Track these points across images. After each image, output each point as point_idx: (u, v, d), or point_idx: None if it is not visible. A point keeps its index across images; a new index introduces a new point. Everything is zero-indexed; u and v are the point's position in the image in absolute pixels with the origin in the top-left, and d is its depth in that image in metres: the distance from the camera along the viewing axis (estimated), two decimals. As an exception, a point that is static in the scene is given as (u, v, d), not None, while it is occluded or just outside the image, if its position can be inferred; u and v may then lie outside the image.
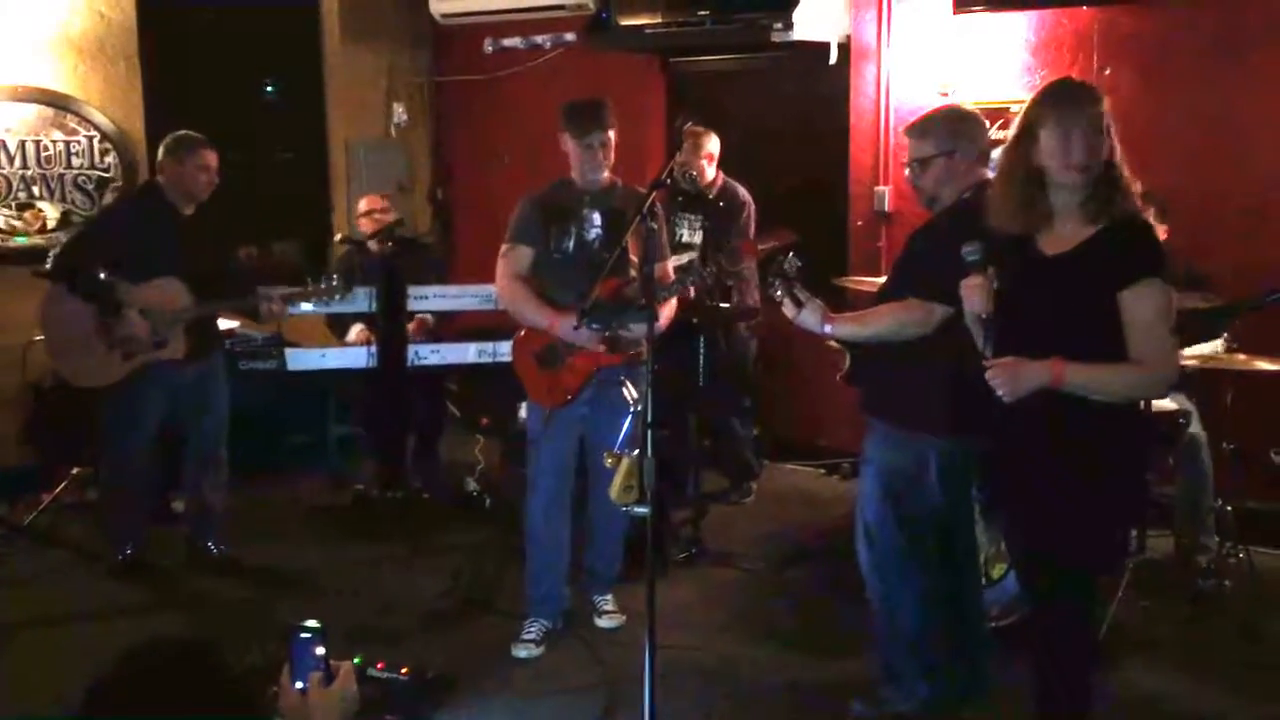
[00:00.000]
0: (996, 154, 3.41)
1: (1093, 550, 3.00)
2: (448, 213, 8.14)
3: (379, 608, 4.76)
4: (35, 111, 6.35)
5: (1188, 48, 5.48)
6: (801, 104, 6.82)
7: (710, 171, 5.86)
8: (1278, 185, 5.31)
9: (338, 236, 6.45)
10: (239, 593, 4.97)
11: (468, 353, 5.96)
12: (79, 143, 6.48)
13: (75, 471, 5.90)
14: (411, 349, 5.77)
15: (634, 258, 4.17)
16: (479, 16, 7.28)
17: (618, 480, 3.61)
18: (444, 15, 7.29)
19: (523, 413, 4.75)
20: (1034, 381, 2.81)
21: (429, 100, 8.14)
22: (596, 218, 4.28)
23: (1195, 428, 4.69)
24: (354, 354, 5.84)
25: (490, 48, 7.66)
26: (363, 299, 5.55)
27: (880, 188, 6.40)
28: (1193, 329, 4.17)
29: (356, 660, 2.02)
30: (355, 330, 5.99)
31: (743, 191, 5.89)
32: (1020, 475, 2.96)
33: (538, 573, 4.45)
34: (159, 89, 6.75)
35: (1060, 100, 2.87)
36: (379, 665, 3.81)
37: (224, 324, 5.65)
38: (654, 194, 3.55)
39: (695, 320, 5.25)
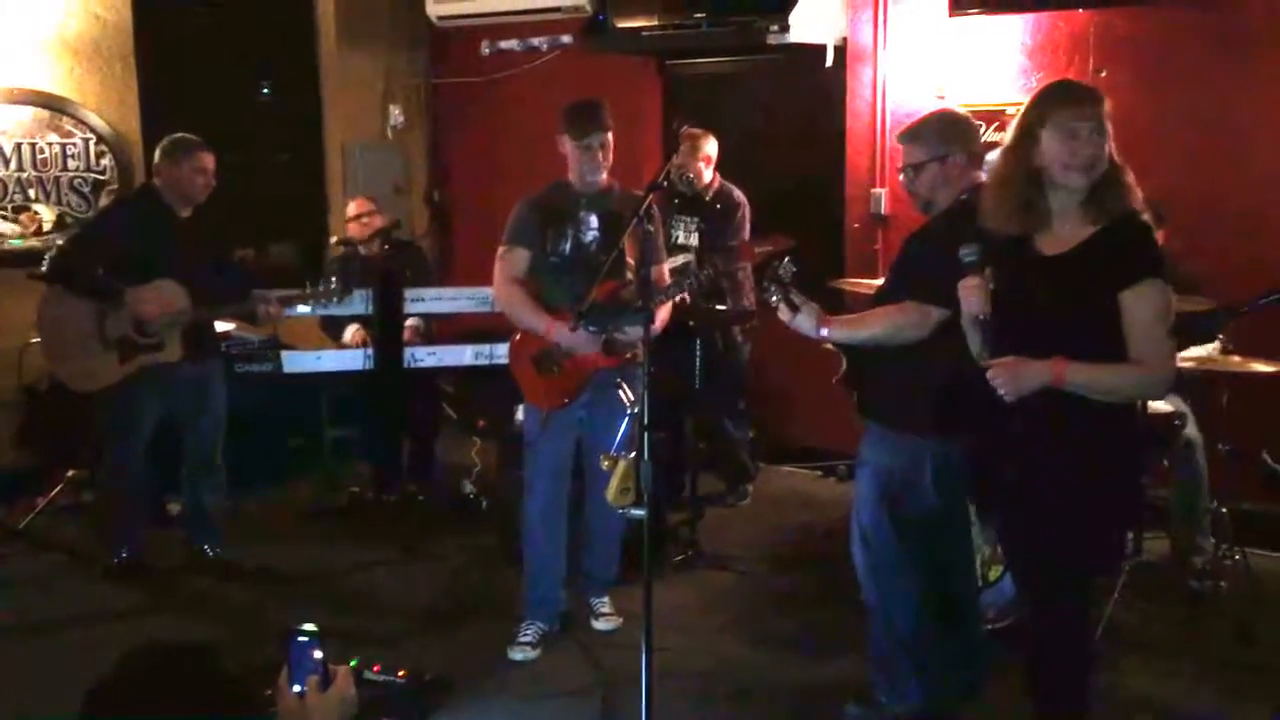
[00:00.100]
0: (991, 156, 3.42)
1: (1090, 551, 3.00)
2: (444, 215, 8.13)
3: (375, 610, 4.76)
4: (31, 114, 6.34)
5: (1184, 50, 5.48)
6: (798, 106, 6.83)
7: (707, 174, 5.87)
8: (1275, 187, 5.32)
9: (334, 239, 6.46)
10: (235, 595, 4.96)
11: (464, 355, 5.97)
12: (75, 145, 6.47)
13: (71, 474, 5.90)
14: (408, 351, 5.78)
15: (630, 260, 4.18)
16: (475, 19, 7.28)
17: (614, 483, 3.61)
18: (440, 17, 7.29)
19: (519, 415, 4.75)
20: (1036, 381, 2.81)
21: (425, 102, 8.14)
22: (593, 220, 4.28)
23: (1191, 430, 4.69)
24: (350, 356, 5.85)
25: (487, 50, 7.66)
26: (358, 301, 5.55)
27: (876, 190, 6.40)
28: (1189, 332, 4.18)
29: (353, 663, 2.01)
30: (351, 331, 5.99)
31: (738, 194, 5.89)
32: (1019, 475, 2.96)
33: (534, 575, 4.45)
34: (155, 91, 6.74)
35: (1061, 101, 2.87)
36: (375, 668, 3.80)
37: (220, 326, 5.65)
38: (650, 196, 3.55)
39: (691, 323, 5.26)
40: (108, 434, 5.05)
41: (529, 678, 4.20)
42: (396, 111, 7.92)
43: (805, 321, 3.50)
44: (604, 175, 4.29)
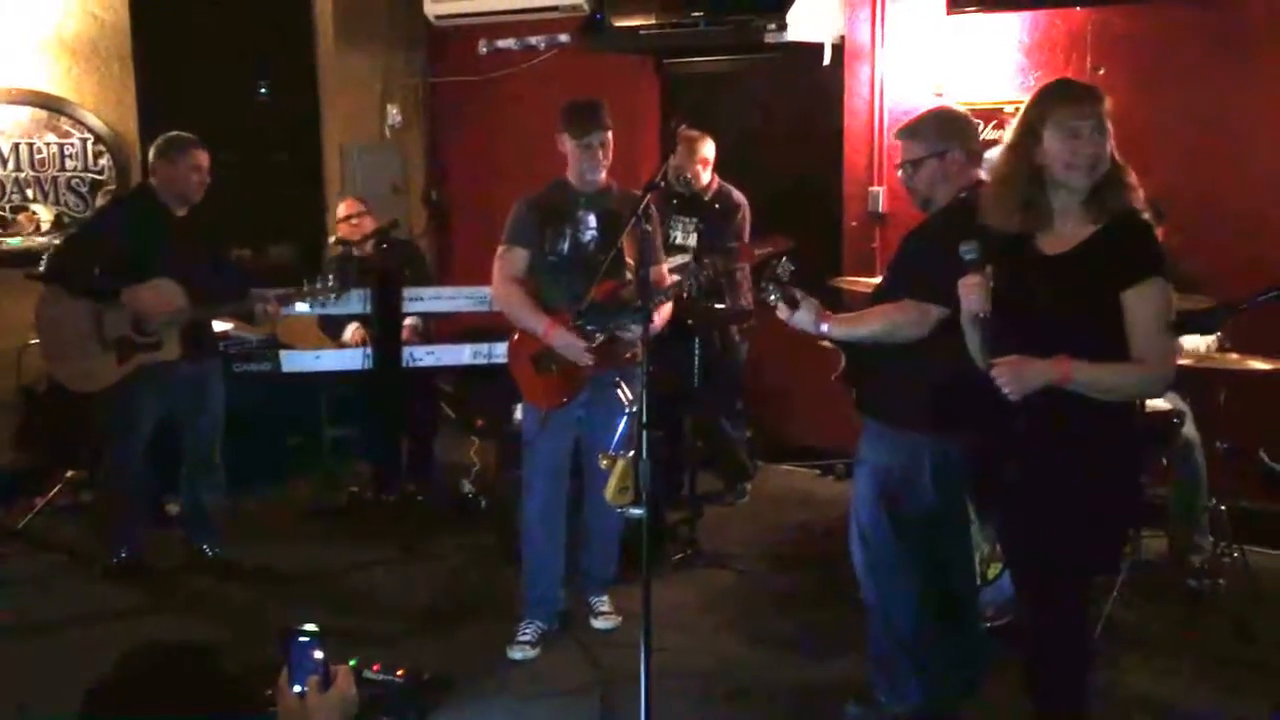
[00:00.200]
0: (990, 154, 3.42)
1: (1092, 550, 3.00)
2: (443, 215, 8.13)
3: (375, 610, 4.76)
4: (29, 114, 6.34)
5: (1182, 48, 5.49)
6: (796, 105, 6.83)
7: (705, 176, 5.86)
8: (1273, 186, 5.33)
9: (332, 238, 6.46)
10: (235, 595, 4.96)
11: (463, 354, 5.97)
12: (73, 145, 6.47)
13: (70, 474, 5.89)
14: (406, 350, 5.78)
15: (630, 260, 4.18)
16: (473, 18, 7.28)
17: (613, 482, 3.61)
18: (438, 17, 7.29)
19: (518, 414, 4.75)
20: (1040, 379, 2.81)
21: (423, 102, 8.14)
22: (592, 220, 4.28)
23: (1189, 428, 4.70)
24: (349, 356, 5.85)
25: (484, 49, 7.66)
26: (357, 300, 5.55)
27: (875, 188, 6.41)
28: (1188, 326, 4.18)
29: (352, 662, 2.01)
30: (351, 329, 5.99)
31: (737, 194, 5.89)
32: (1020, 474, 2.96)
33: (533, 574, 4.45)
34: (153, 91, 6.74)
35: (1063, 100, 2.86)
36: (375, 667, 3.80)
37: (219, 326, 5.65)
38: (648, 195, 3.55)
39: (690, 321, 5.26)
40: (107, 434, 5.05)
41: (528, 676, 4.20)
42: (394, 111, 7.92)
43: (805, 317, 3.50)
44: (603, 174, 4.29)
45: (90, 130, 6.51)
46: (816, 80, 6.54)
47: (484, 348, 5.79)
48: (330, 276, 5.20)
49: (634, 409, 3.69)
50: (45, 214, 6.43)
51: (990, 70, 5.99)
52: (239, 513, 5.63)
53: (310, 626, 1.92)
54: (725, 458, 6.20)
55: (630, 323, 4.09)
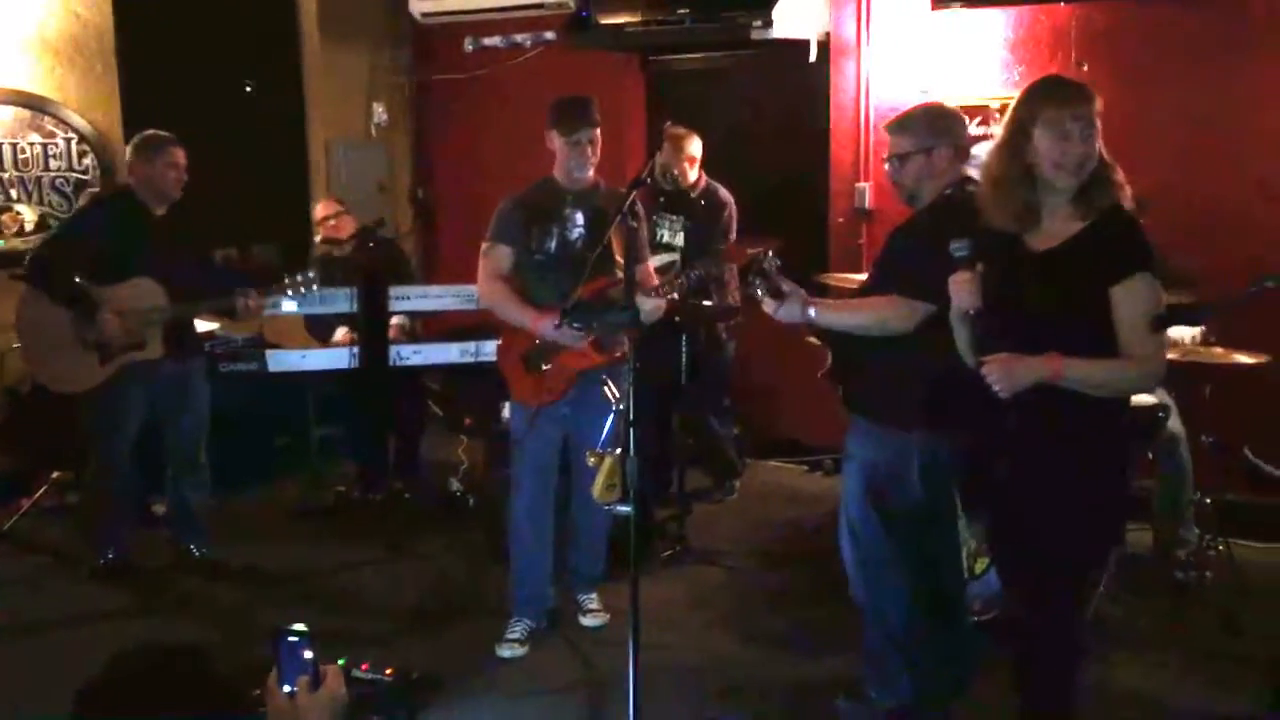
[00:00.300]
0: (978, 150, 3.43)
1: (1084, 546, 3.01)
2: (429, 213, 8.12)
3: (363, 609, 4.76)
4: (12, 114, 6.31)
5: (1164, 44, 5.52)
6: (782, 101, 6.84)
7: (692, 174, 5.85)
8: (1258, 181, 5.35)
9: (318, 237, 6.44)
10: (223, 595, 4.95)
11: (450, 353, 5.96)
12: (56, 145, 6.44)
13: (55, 476, 5.88)
14: (393, 349, 5.76)
15: (618, 258, 4.17)
16: (459, 15, 7.27)
17: (600, 479, 3.61)
18: (424, 14, 7.28)
19: (506, 413, 4.75)
20: (1031, 377, 2.80)
21: (409, 100, 8.12)
22: (579, 217, 4.28)
23: (1174, 422, 4.71)
24: (335, 355, 5.83)
25: (470, 46, 7.65)
26: (343, 300, 5.53)
27: (861, 184, 6.42)
28: (1174, 319, 4.19)
29: (341, 662, 2.01)
30: (341, 333, 5.97)
31: (724, 192, 5.89)
32: (1012, 472, 2.96)
33: (522, 572, 4.45)
34: (137, 90, 6.71)
35: (1052, 99, 2.86)
36: (363, 666, 3.79)
37: (204, 326, 5.63)
38: (634, 193, 3.55)
39: (677, 319, 5.26)
40: (92, 435, 5.04)
41: (517, 675, 4.20)
42: (380, 109, 7.91)
43: (792, 308, 3.48)
44: (591, 172, 4.29)
45: (74, 130, 6.48)
46: (802, 77, 6.55)
47: (471, 346, 5.78)
48: (311, 271, 5.18)
49: (621, 406, 3.69)
50: (29, 214, 6.40)
51: (975, 66, 6.01)
52: (227, 513, 5.62)
53: (299, 626, 1.92)
54: (713, 455, 6.21)
55: (616, 319, 4.09)
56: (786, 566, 5.20)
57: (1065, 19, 5.74)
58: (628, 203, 3.62)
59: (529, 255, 4.28)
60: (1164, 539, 4.84)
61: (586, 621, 4.56)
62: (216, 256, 5.57)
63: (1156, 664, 4.11)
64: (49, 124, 6.42)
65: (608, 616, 4.56)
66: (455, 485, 6.02)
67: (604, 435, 3.91)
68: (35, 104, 6.36)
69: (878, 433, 3.56)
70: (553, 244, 4.27)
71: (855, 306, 3.62)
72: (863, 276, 4.29)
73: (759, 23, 6.00)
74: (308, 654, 1.90)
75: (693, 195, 5.86)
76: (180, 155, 4.93)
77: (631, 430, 3.19)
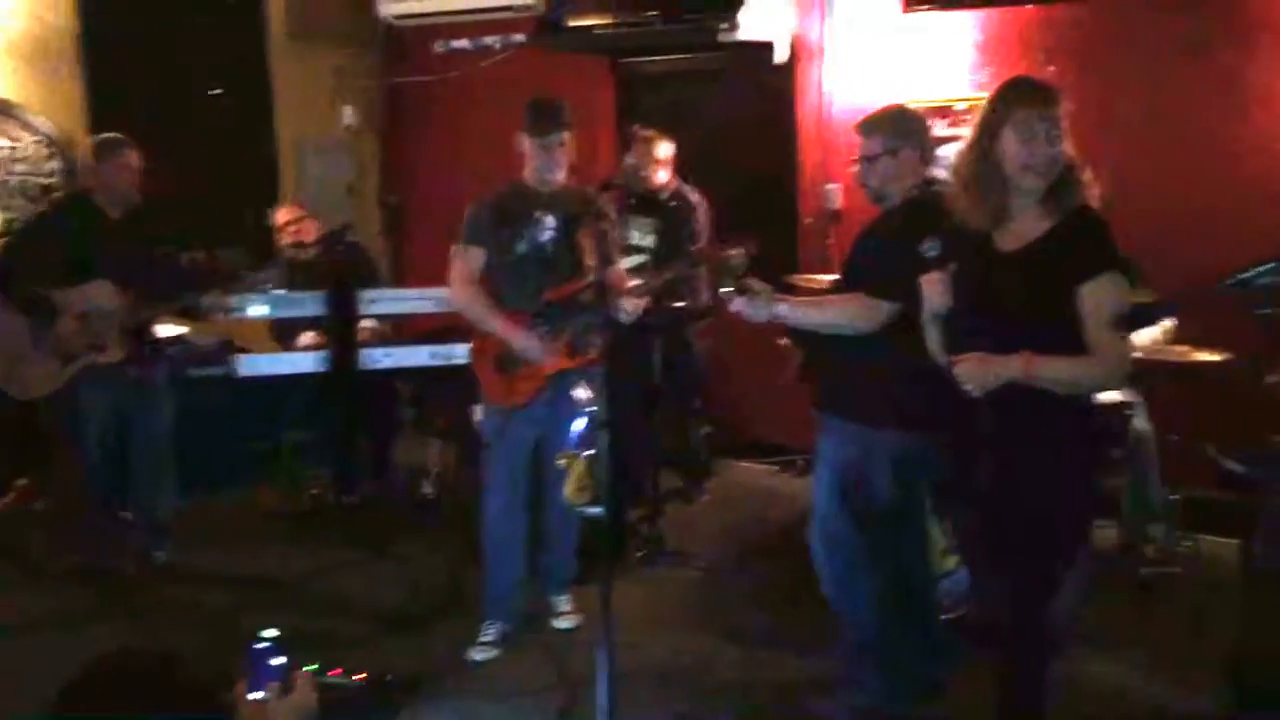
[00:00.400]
0: (945, 151, 3.45)
1: (1055, 544, 3.03)
2: (399, 216, 8.09)
3: (336, 613, 4.74)
4: (-24, 117, 6.26)
5: (1132, 45, 5.57)
6: (750, 103, 6.84)
7: (663, 176, 5.85)
8: (1223, 182, 5.40)
9: (285, 240, 6.40)
10: (194, 600, 4.91)
11: (421, 356, 5.93)
12: (22, 149, 6.38)
13: (22, 482, 5.82)
14: (364, 352, 5.74)
15: (589, 261, 4.17)
16: (428, 18, 7.25)
17: (572, 481, 3.61)
18: (393, 16, 7.25)
19: (477, 415, 4.74)
20: (1002, 376, 2.83)
21: (378, 102, 8.09)
22: (550, 220, 4.27)
23: (1140, 419, 4.76)
24: (305, 359, 5.80)
25: (440, 48, 7.63)
26: (311, 303, 5.51)
27: (830, 186, 6.44)
28: (1137, 320, 4.24)
29: (312, 667, 2.00)
30: (306, 337, 5.93)
31: (695, 195, 5.88)
32: (984, 469, 2.98)
33: (494, 575, 4.44)
34: (102, 93, 6.66)
35: (1021, 100, 2.88)
36: (334, 671, 3.78)
37: (173, 330, 5.60)
38: (605, 194, 3.56)
39: (649, 320, 5.26)
40: (56, 440, 5.00)
41: (490, 677, 4.20)
42: (349, 111, 7.87)
43: (759, 306, 3.50)
44: (562, 174, 4.29)
45: (40, 133, 6.43)
46: (771, 78, 6.56)
47: (442, 349, 5.77)
48: (265, 272, 5.15)
49: (593, 408, 3.69)
50: (-6, 218, 6.35)
51: (943, 67, 6.04)
52: (200, 517, 5.58)
53: (271, 631, 1.91)
54: (684, 456, 6.21)
55: (589, 323, 4.10)
56: (759, 566, 5.22)
57: (1033, 21, 5.78)
58: (598, 205, 3.63)
59: (500, 257, 4.27)
60: (1131, 535, 4.88)
61: (559, 623, 4.56)
62: (183, 259, 5.52)
63: (1123, 660, 4.14)
64: (13, 128, 6.36)
65: (580, 618, 4.56)
66: (427, 488, 6.01)
67: (574, 436, 3.91)
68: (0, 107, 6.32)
69: (849, 432, 3.59)
70: (523, 246, 4.26)
71: (822, 305, 3.65)
72: (833, 277, 4.31)
73: (726, 25, 6.01)
74: (278, 659, 1.89)
75: (663, 197, 5.86)
76: (134, 157, 4.91)
77: (603, 432, 3.19)
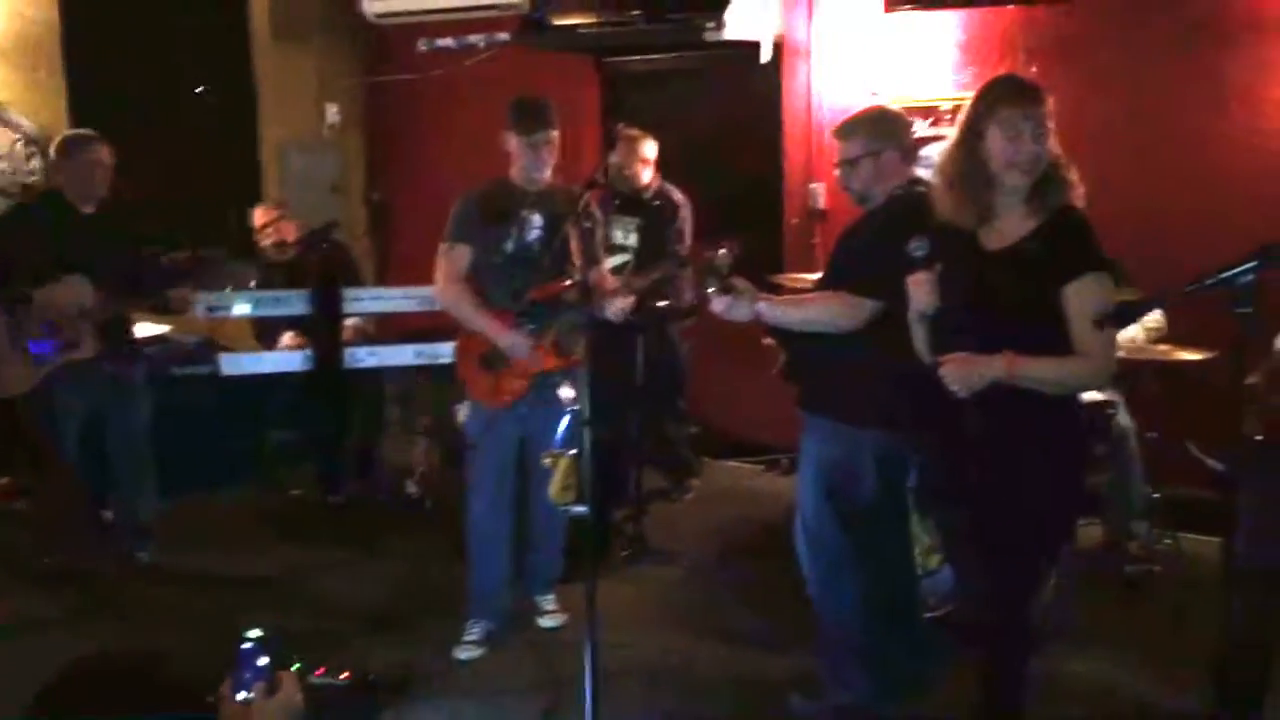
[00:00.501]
0: (928, 151, 3.47)
1: (1041, 541, 3.05)
2: (384, 214, 8.08)
3: (320, 613, 4.73)
4: (-43, 116, 6.24)
5: (1114, 45, 5.59)
6: (735, 102, 6.86)
7: (646, 175, 5.85)
8: (1203, 181, 5.43)
9: (269, 240, 6.38)
10: (175, 601, 4.89)
11: (406, 355, 5.93)
12: (2, 147, 6.35)
13: (3, 481, 5.79)
14: (348, 351, 5.73)
15: (575, 260, 4.17)
16: (411, 16, 7.23)
17: (556, 480, 3.62)
18: (377, 15, 7.23)
19: (462, 414, 4.73)
20: (987, 376, 2.84)
21: (363, 101, 8.07)
22: (537, 219, 4.26)
23: (1123, 417, 4.78)
24: (289, 358, 5.78)
25: (424, 47, 7.61)
26: (297, 302, 5.49)
27: (815, 185, 6.46)
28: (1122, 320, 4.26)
29: (296, 666, 2.00)
30: (287, 337, 5.91)
31: (679, 194, 5.88)
32: (970, 468, 2.99)
33: (479, 574, 4.44)
34: (84, 91, 6.64)
35: (1005, 99, 2.89)
36: (318, 671, 3.77)
37: (155, 329, 5.57)
38: (588, 194, 3.55)
39: (633, 319, 5.26)
40: (34, 438, 4.97)
41: (475, 676, 4.20)
42: (333, 110, 7.85)
43: (740, 305, 3.50)
44: (548, 173, 4.28)
45: (21, 131, 6.40)
46: (756, 78, 6.57)
47: (427, 348, 5.76)
48: (233, 267, 5.13)
49: (577, 407, 3.70)
50: (-25, 217, 6.31)
51: (926, 67, 6.06)
52: (183, 518, 5.56)
53: (255, 631, 1.91)
54: (669, 456, 6.22)
55: (574, 322, 4.10)
56: (743, 565, 5.23)
57: (1015, 21, 5.81)
58: (582, 204, 3.63)
59: (486, 255, 4.26)
60: (1114, 533, 4.91)
61: (544, 622, 4.56)
62: (164, 259, 5.50)
63: (1105, 658, 4.16)
64: (-5, 126, 6.34)
65: (566, 617, 4.56)
66: (412, 488, 6.00)
67: (559, 436, 3.92)
68: (-20, 105, 6.29)
69: (833, 431, 3.59)
70: (510, 245, 4.25)
71: (803, 303, 3.66)
72: (817, 277, 4.31)
73: (712, 24, 6.01)
74: (263, 659, 1.89)
75: (646, 197, 5.86)
76: (104, 153, 4.89)
77: (587, 431, 3.20)
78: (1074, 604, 4.28)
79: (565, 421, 3.97)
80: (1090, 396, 4.61)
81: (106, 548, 5.23)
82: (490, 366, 4.28)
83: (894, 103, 5.04)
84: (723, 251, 3.55)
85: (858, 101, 5.65)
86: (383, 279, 7.51)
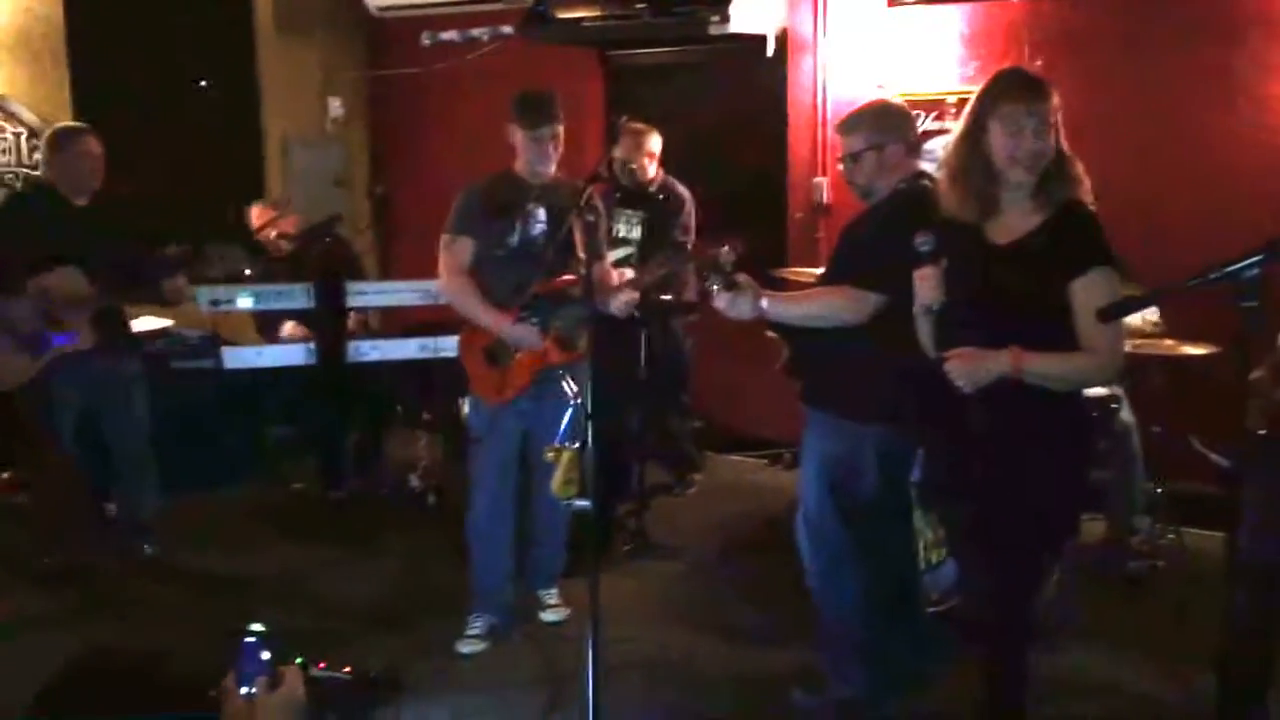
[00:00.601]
0: (932, 145, 3.46)
1: (1050, 535, 3.04)
2: (386, 207, 8.06)
3: (322, 608, 4.73)
4: (-40, 108, 6.24)
5: (1119, 39, 5.58)
6: (740, 96, 6.85)
7: (651, 169, 5.84)
8: (1209, 176, 5.42)
9: (273, 234, 6.37)
10: (178, 596, 4.90)
11: (409, 348, 5.93)
12: (6, 139, 6.36)
13: (4, 475, 5.79)
14: (352, 345, 5.73)
15: (580, 254, 4.16)
16: (415, 9, 7.24)
17: (559, 474, 3.60)
18: (380, 8, 7.24)
19: (465, 409, 4.73)
20: (993, 371, 2.83)
21: (366, 94, 8.07)
22: (541, 213, 4.25)
23: (1125, 412, 4.78)
24: (292, 351, 5.78)
25: (427, 41, 7.61)
26: (300, 295, 5.49)
27: (819, 179, 6.45)
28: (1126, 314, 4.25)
29: (297, 661, 2.00)
30: (288, 327, 5.92)
31: (681, 188, 5.87)
32: (974, 463, 2.98)
33: (482, 569, 4.44)
34: (88, 84, 6.64)
35: (1009, 94, 2.88)
36: (320, 665, 3.77)
37: (157, 323, 5.57)
38: (591, 187, 3.55)
39: (637, 313, 5.25)
40: (32, 432, 4.97)
41: (478, 671, 4.20)
42: (336, 104, 7.85)
43: (743, 301, 3.48)
44: (553, 167, 4.27)
45: (24, 124, 6.40)
46: (760, 72, 6.57)
47: (431, 341, 5.76)
48: (226, 255, 5.13)
49: (579, 401, 3.69)
50: (-22, 209, 6.31)
51: (931, 61, 6.05)
52: (184, 513, 5.54)
53: (257, 626, 1.91)
54: (672, 450, 6.22)
55: (577, 316, 4.09)
56: (745, 560, 5.23)
57: (1020, 14, 5.79)
58: (586, 197, 3.62)
59: (489, 249, 4.26)
60: (1117, 528, 4.90)
61: (547, 617, 4.56)
62: (168, 252, 5.51)
63: (1108, 653, 4.16)
64: (-1, 118, 6.34)
65: (568, 611, 4.56)
66: (415, 482, 5.99)
67: (562, 430, 3.91)
68: (-16, 98, 6.29)
69: (835, 426, 3.59)
70: (514, 239, 4.24)
71: (807, 298, 3.65)
72: (821, 271, 4.31)
73: (716, 17, 6.01)
74: (265, 655, 1.89)
75: (650, 190, 5.85)
76: (94, 145, 4.88)
77: (590, 425, 3.19)
78: (1077, 599, 4.28)
79: (568, 416, 3.96)
80: (1094, 391, 4.61)
81: (108, 542, 5.23)
82: (493, 361, 4.27)
83: (899, 96, 5.04)
84: (726, 249, 3.54)
85: (862, 95, 5.63)
86: (386, 273, 7.51)
